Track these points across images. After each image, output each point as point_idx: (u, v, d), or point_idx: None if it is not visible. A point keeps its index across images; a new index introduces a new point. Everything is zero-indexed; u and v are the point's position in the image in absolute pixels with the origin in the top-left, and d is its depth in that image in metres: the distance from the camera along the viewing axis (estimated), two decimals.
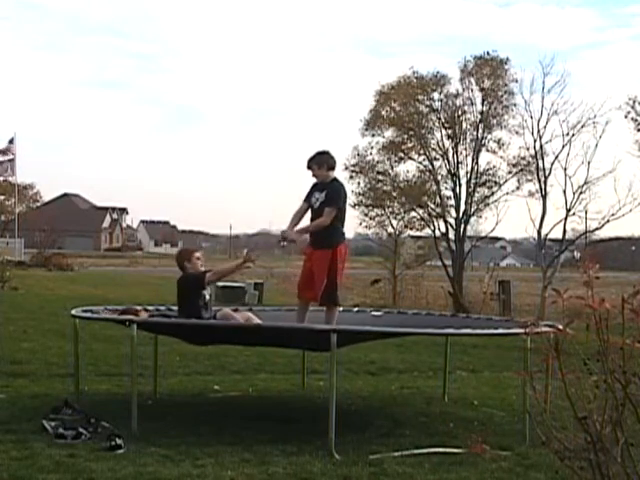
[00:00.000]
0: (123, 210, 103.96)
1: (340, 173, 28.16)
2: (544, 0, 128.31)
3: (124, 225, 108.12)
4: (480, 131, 26.81)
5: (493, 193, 27.03)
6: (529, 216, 24.04)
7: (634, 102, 23.62)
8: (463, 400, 9.16)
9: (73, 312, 7.78)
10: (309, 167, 7.95)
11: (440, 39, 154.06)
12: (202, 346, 9.55)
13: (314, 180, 7.99)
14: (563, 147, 23.94)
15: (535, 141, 24.64)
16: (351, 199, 27.81)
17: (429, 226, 28.03)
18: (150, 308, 8.20)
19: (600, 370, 3.70)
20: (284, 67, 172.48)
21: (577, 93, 68.77)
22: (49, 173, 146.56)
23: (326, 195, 7.80)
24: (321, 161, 7.93)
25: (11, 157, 43.19)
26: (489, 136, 26.98)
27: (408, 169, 28.08)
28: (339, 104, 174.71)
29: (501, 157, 26.92)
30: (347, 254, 8.04)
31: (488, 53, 26.88)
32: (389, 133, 27.88)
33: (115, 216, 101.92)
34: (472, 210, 27.00)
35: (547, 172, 24.35)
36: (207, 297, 7.71)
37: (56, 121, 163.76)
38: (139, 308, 7.83)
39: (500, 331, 8.30)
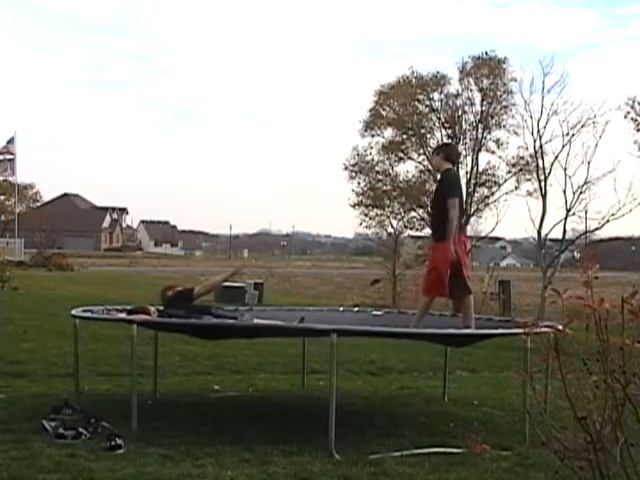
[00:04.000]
0: (123, 210, 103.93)
1: (340, 173, 28.23)
2: (543, 0, 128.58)
3: (124, 225, 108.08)
4: (479, 131, 26.81)
5: (493, 193, 27.03)
6: (529, 216, 24.01)
7: (634, 102, 23.60)
8: (463, 400, 9.16)
9: (73, 312, 7.77)
10: (432, 153, 8.14)
11: (440, 39, 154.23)
12: (211, 340, 9.56)
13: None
14: (563, 147, 23.91)
15: (535, 141, 24.62)
16: (351, 199, 27.88)
17: (429, 226, 28.02)
18: (161, 309, 8.13)
19: (600, 370, 3.70)
20: (284, 67, 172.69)
21: (577, 93, 68.84)
22: (49, 173, 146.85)
23: (439, 186, 7.89)
24: (440, 149, 8.15)
25: (11, 157, 43.17)
26: (488, 136, 26.99)
27: (408, 169, 28.11)
28: (339, 104, 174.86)
29: (500, 157, 26.95)
30: (468, 248, 8.02)
31: (486, 53, 26.90)
32: (389, 133, 27.91)
33: (115, 216, 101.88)
34: (472, 210, 26.99)
35: (547, 172, 24.34)
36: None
37: (56, 121, 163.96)
38: (152, 308, 7.79)
39: (500, 331, 8.29)
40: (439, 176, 7.95)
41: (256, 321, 7.73)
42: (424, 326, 8.72)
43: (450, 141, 8.47)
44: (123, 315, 7.93)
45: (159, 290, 8.12)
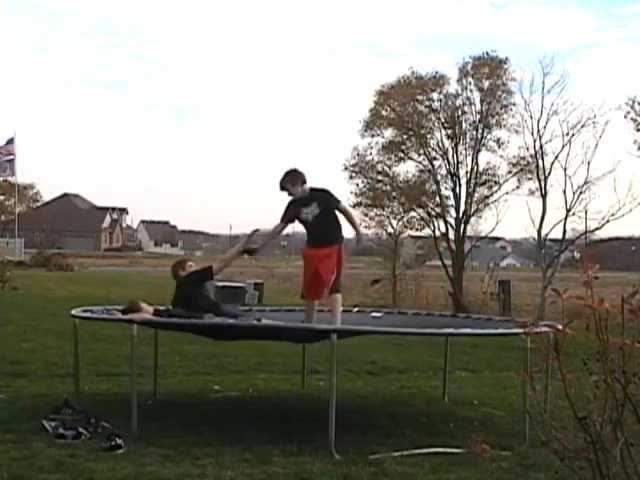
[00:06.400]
0: (123, 210, 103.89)
1: (340, 173, 28.23)
2: (542, 0, 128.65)
3: (124, 225, 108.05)
4: (480, 131, 26.81)
5: (493, 193, 27.03)
6: (529, 216, 24.05)
7: (633, 102, 23.62)
8: (463, 400, 9.16)
9: (73, 312, 7.77)
10: (282, 188, 7.95)
11: (440, 39, 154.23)
12: (215, 340, 9.57)
13: (290, 200, 7.99)
14: (563, 147, 23.95)
15: (535, 141, 24.65)
16: (351, 199, 27.86)
17: (429, 226, 28.03)
18: (161, 308, 8.09)
19: (600, 370, 3.70)
20: (284, 67, 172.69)
21: (577, 93, 68.87)
22: (49, 173, 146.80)
23: (320, 204, 7.82)
24: (294, 179, 7.94)
25: (11, 157, 43.15)
26: (489, 136, 26.99)
27: (408, 169, 28.12)
28: (339, 104, 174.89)
29: (501, 157, 26.96)
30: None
31: (487, 53, 26.92)
32: (388, 133, 27.90)
33: (115, 216, 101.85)
34: (472, 210, 26.98)
35: (547, 172, 24.36)
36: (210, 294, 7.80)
37: (56, 121, 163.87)
38: (143, 305, 7.76)
39: (500, 331, 8.29)
40: (309, 199, 7.87)
41: (264, 322, 7.72)
42: (423, 326, 8.71)
43: (291, 168, 8.28)
44: (118, 315, 7.91)
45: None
